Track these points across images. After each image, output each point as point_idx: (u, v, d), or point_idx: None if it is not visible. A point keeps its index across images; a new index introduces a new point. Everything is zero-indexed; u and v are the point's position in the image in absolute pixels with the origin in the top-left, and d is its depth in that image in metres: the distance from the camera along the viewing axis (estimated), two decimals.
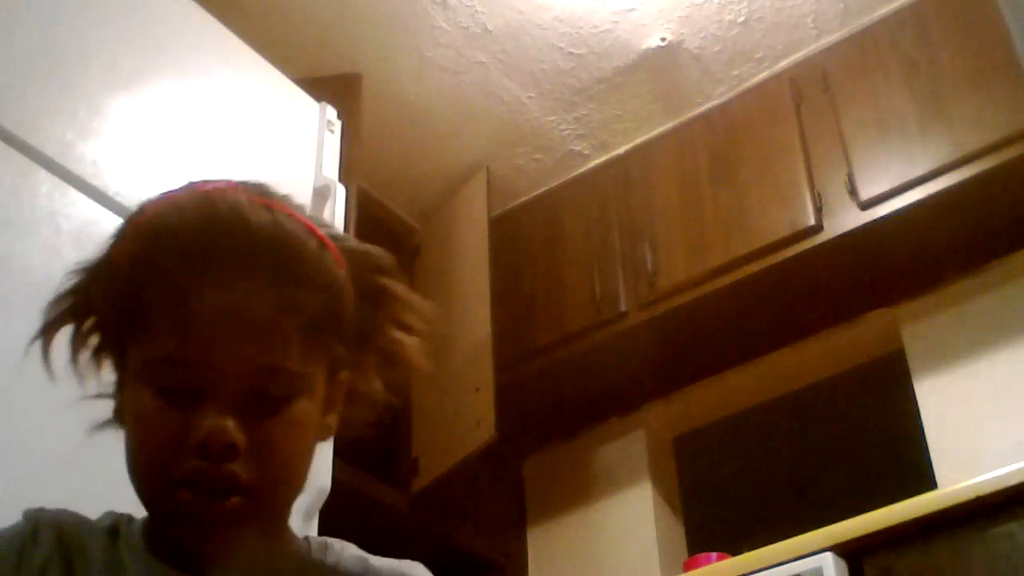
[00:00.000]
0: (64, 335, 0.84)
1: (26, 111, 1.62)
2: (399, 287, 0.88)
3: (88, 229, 1.61)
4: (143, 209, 0.83)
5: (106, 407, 0.85)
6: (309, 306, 0.78)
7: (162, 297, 0.76)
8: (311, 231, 0.82)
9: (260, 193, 0.83)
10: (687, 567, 2.52)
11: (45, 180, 1.61)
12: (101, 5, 1.84)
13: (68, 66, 1.73)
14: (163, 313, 0.76)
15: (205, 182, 0.84)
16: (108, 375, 0.85)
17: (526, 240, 3.19)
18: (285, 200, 0.85)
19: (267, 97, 2.16)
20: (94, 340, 0.83)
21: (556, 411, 3.14)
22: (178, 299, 0.75)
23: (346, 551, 0.89)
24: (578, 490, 3.11)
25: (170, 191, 0.84)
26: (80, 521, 0.83)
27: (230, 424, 0.75)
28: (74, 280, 0.83)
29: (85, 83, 1.75)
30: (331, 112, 2.27)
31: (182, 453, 0.75)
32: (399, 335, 0.87)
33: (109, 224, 1.63)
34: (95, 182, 1.68)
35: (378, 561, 0.89)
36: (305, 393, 0.79)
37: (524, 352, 2.98)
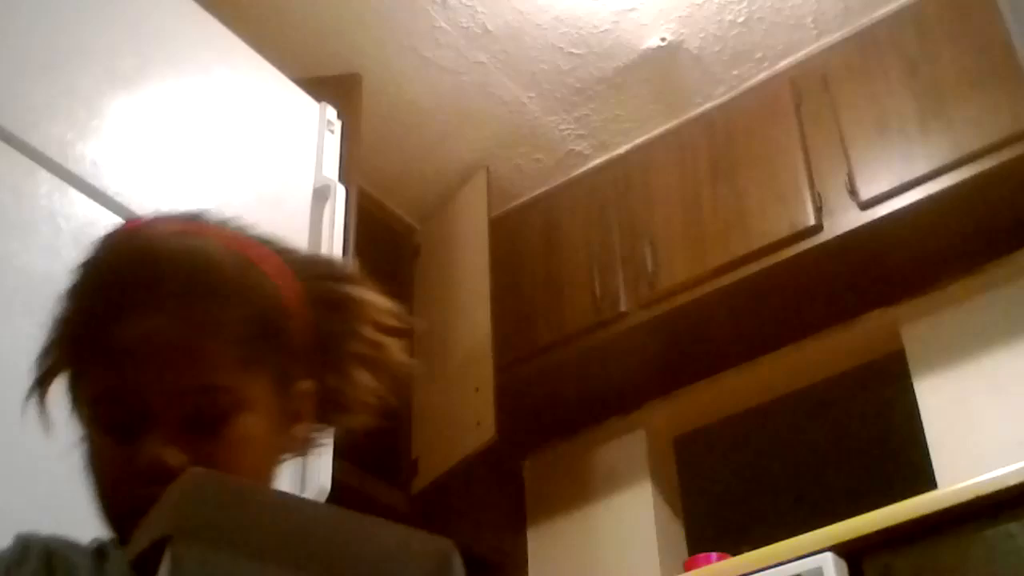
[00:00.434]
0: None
1: (26, 111, 1.62)
2: (363, 292, 0.89)
3: (88, 229, 1.61)
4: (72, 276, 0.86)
5: None
6: (232, 323, 0.79)
7: (89, 338, 0.79)
8: (237, 250, 0.83)
9: (189, 221, 0.86)
10: (687, 567, 2.52)
11: (45, 180, 1.61)
12: (101, 5, 1.84)
13: (68, 66, 1.73)
14: (91, 353, 0.79)
15: (139, 219, 0.87)
16: None
17: (526, 240, 3.19)
18: (220, 225, 0.87)
19: (267, 97, 2.16)
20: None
21: (556, 411, 3.14)
22: (102, 337, 0.78)
23: None
24: (578, 490, 3.11)
25: (106, 234, 0.87)
26: (69, 545, 0.84)
27: (170, 448, 0.76)
28: (52, 334, 0.85)
29: (85, 83, 1.75)
30: (331, 112, 2.27)
31: (130, 484, 0.76)
32: (377, 337, 0.89)
33: (109, 224, 1.64)
34: (95, 182, 1.68)
35: None
36: (245, 408, 0.80)
37: (524, 352, 2.98)
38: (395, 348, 0.89)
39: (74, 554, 0.83)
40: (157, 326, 0.77)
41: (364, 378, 0.89)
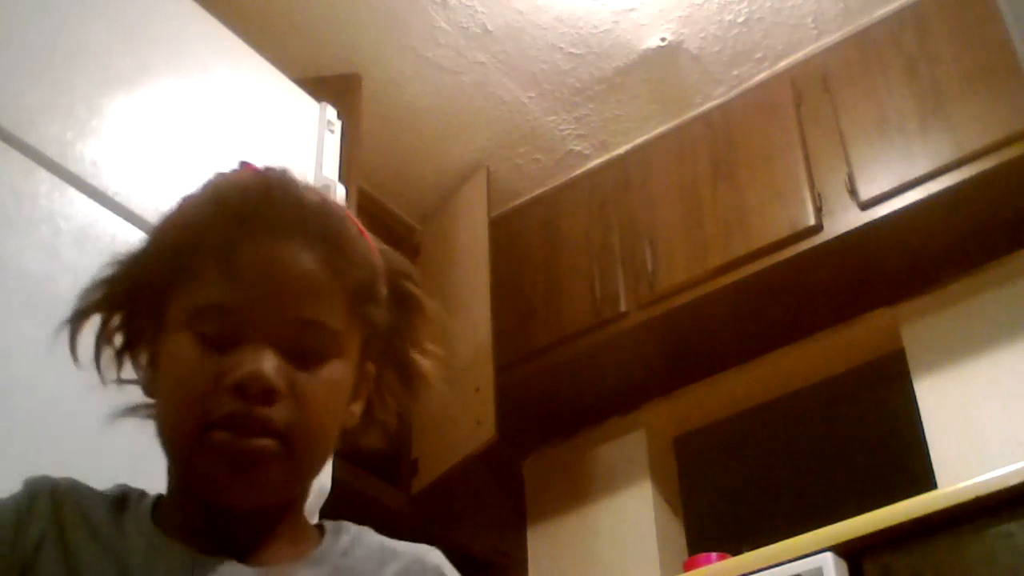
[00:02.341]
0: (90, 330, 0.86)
1: (25, 111, 1.62)
2: (427, 300, 0.92)
3: (88, 229, 1.61)
4: (188, 194, 0.88)
5: (124, 397, 0.86)
6: (352, 272, 0.83)
7: (214, 248, 0.80)
8: (351, 217, 0.87)
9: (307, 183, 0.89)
10: (687, 567, 2.52)
11: (45, 180, 1.61)
12: (100, 5, 1.84)
13: (67, 66, 1.73)
14: (213, 262, 0.80)
15: (257, 166, 0.89)
16: (126, 373, 0.87)
17: (526, 240, 3.19)
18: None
19: (267, 97, 2.16)
20: (119, 339, 0.86)
21: (556, 411, 3.14)
22: (230, 249, 0.80)
23: (363, 534, 0.90)
24: (578, 490, 3.11)
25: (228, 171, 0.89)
26: (84, 491, 0.83)
27: (269, 368, 0.77)
28: (108, 271, 0.86)
29: (84, 83, 1.75)
30: (331, 112, 2.27)
31: (219, 393, 0.77)
32: (425, 352, 0.91)
33: (109, 224, 1.64)
34: (95, 182, 1.68)
35: (396, 544, 0.90)
36: (342, 355, 0.82)
37: (524, 352, 2.98)
38: (430, 369, 0.92)
39: (87, 498, 0.82)
40: (290, 254, 0.80)
41: (397, 389, 0.91)
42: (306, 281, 0.80)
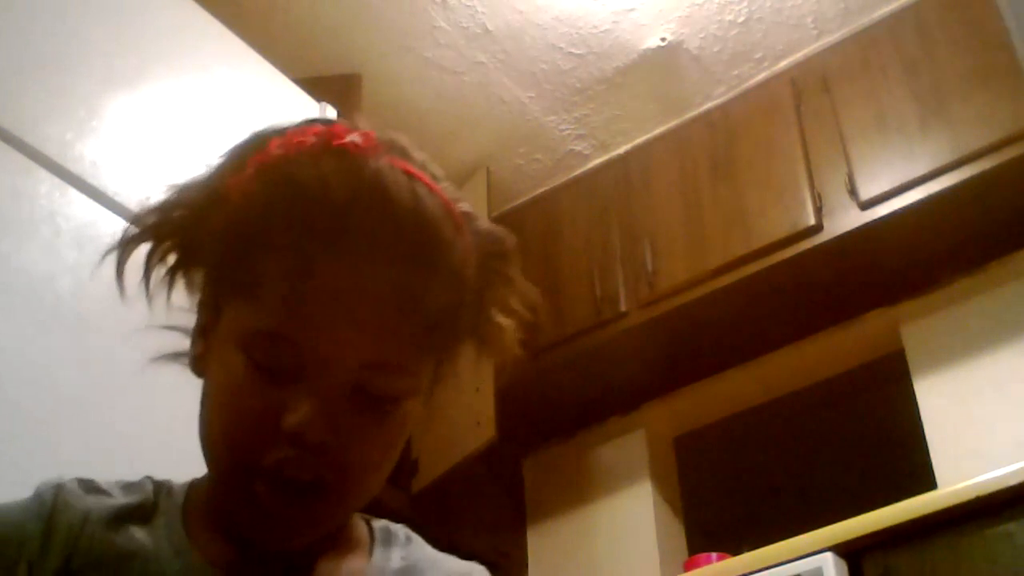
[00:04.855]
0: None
1: (25, 111, 1.62)
2: (515, 272, 0.81)
3: (88, 229, 1.61)
4: (265, 143, 0.76)
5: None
6: (434, 302, 0.71)
7: (280, 265, 0.69)
8: (448, 211, 0.73)
9: (402, 155, 0.75)
10: (687, 567, 2.52)
11: (45, 180, 1.61)
12: (101, 5, 1.84)
13: (68, 66, 1.73)
14: (278, 284, 0.68)
15: (338, 124, 0.76)
16: (178, 298, 0.79)
17: (526, 240, 3.17)
18: (424, 167, 0.75)
19: (267, 97, 2.16)
20: (171, 258, 0.76)
21: (556, 411, 3.14)
22: (297, 272, 0.68)
23: (412, 544, 0.85)
24: (578, 490, 3.11)
25: (299, 129, 0.76)
26: (104, 508, 0.76)
27: (329, 417, 0.69)
28: (164, 198, 0.78)
29: (84, 83, 1.75)
30: (331, 112, 2.27)
31: (270, 437, 0.69)
32: (499, 320, 0.80)
33: (109, 224, 1.64)
34: (95, 182, 1.68)
35: (447, 562, 0.85)
36: (411, 394, 0.73)
37: (524, 352, 2.98)
38: (510, 334, 0.82)
39: (107, 517, 0.75)
40: (365, 284, 0.68)
41: (467, 356, 0.80)
42: (380, 318, 0.69)
